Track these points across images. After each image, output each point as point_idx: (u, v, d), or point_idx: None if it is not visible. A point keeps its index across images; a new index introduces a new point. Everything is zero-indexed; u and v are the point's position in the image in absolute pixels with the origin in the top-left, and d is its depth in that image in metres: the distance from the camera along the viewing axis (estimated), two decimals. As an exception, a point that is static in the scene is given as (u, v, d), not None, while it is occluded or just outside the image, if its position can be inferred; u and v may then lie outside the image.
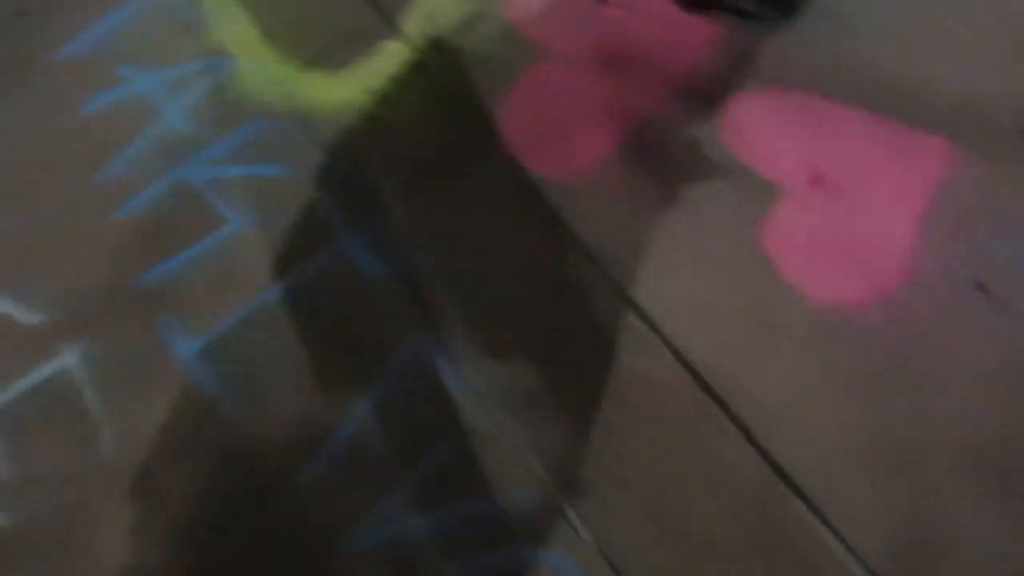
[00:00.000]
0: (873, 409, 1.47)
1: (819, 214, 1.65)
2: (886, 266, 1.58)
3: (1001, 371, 1.46)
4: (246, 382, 1.62)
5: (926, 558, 1.36)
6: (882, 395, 1.48)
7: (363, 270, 1.70)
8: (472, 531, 1.48)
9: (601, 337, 1.59)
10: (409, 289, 1.67)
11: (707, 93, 1.80)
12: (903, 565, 1.35)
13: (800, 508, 1.42)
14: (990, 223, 1.59)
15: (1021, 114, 1.68)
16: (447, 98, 1.89)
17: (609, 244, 1.68)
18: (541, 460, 1.51)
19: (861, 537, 1.37)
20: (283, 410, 1.57)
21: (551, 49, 1.91)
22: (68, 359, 1.62)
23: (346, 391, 1.59)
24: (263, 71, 1.97)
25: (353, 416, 1.57)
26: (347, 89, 1.94)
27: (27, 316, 1.67)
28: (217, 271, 1.70)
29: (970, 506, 1.38)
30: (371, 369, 1.62)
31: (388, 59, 1.97)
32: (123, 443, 1.54)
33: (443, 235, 1.73)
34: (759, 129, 1.74)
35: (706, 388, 1.53)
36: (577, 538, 1.45)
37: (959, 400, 1.46)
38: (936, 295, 1.54)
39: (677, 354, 1.56)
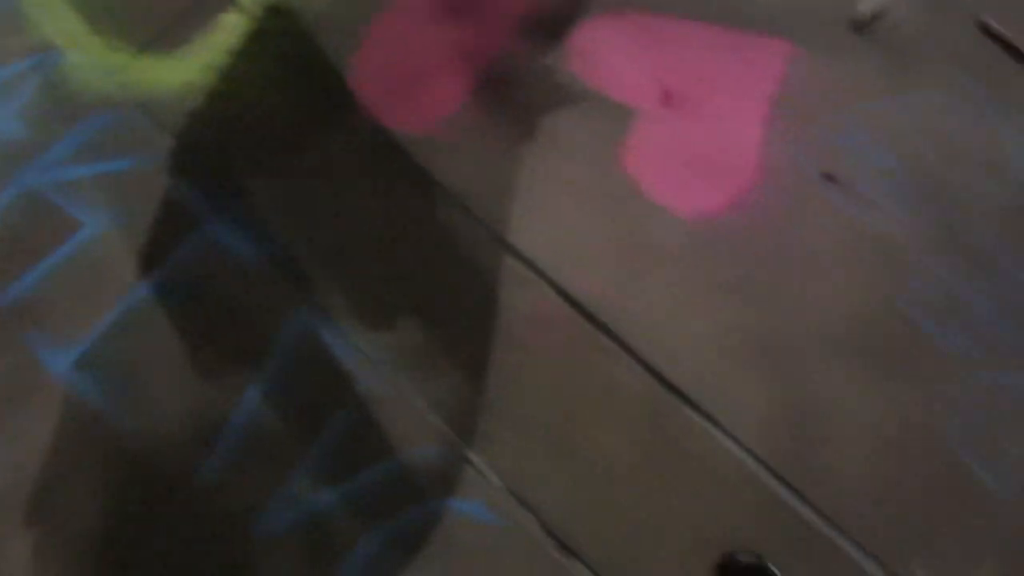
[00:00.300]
0: (745, 309, 1.53)
1: (674, 130, 1.68)
2: (741, 171, 1.63)
3: (856, 253, 1.54)
4: (130, 386, 1.56)
5: (807, 438, 1.43)
6: (752, 294, 1.53)
7: (233, 252, 1.65)
8: (382, 495, 1.48)
9: (482, 283, 1.59)
10: (283, 265, 1.63)
11: (551, 25, 1.79)
12: (788, 448, 1.42)
13: (690, 415, 1.47)
14: (831, 116, 1.65)
15: (852, 9, 1.73)
16: (294, 65, 1.82)
17: (477, 189, 1.67)
18: (441, 414, 1.52)
19: (748, 431, 1.44)
20: (173, 407, 1.53)
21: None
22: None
23: (235, 377, 1.56)
24: (95, 62, 1.85)
25: (246, 401, 1.54)
26: (187, 69, 1.85)
27: None
28: (80, 277, 1.62)
29: (840, 386, 1.46)
30: (257, 351, 1.58)
31: (226, 32, 1.89)
32: (10, 469, 1.47)
33: (309, 206, 1.69)
34: (606, 54, 1.75)
35: (589, 316, 1.55)
36: (486, 483, 1.47)
37: (822, 286, 1.54)
38: (789, 191, 1.60)
39: (558, 288, 1.58)
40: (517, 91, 1.76)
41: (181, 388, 1.56)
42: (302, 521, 1.46)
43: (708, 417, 1.47)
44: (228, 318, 1.61)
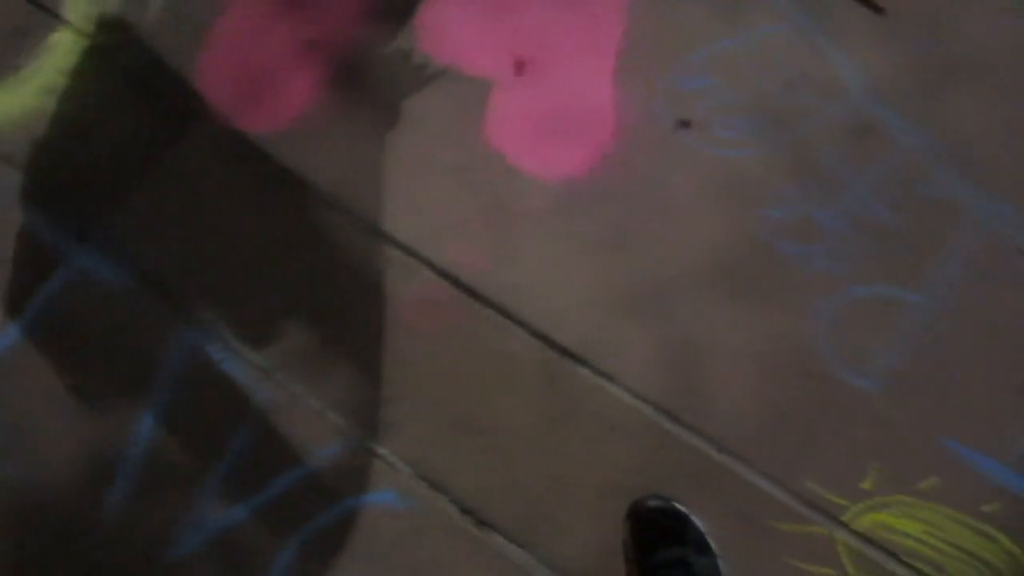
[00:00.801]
0: (620, 261, 1.57)
1: (530, 98, 1.70)
2: (599, 129, 1.66)
3: (718, 192, 1.62)
4: (12, 436, 1.50)
5: (691, 376, 1.50)
6: (624, 246, 1.58)
7: (103, 281, 1.60)
8: (294, 503, 1.48)
9: (363, 276, 1.59)
10: (156, 286, 1.59)
11: (398, 6, 1.77)
12: (676, 388, 1.49)
13: (584, 373, 1.51)
14: (676, 62, 1.70)
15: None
16: (137, 78, 1.76)
17: (345, 182, 1.66)
18: (341, 413, 1.52)
19: (639, 379, 1.49)
20: (65, 450, 1.49)
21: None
22: None
23: (125, 408, 1.52)
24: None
25: (140, 431, 1.50)
26: (21, 95, 1.76)
27: None
28: (-59, 331, 1.54)
29: (716, 320, 1.54)
30: (144, 378, 1.55)
31: (60, 53, 1.80)
32: None
33: (173, 222, 1.65)
34: (455, 30, 1.76)
35: (473, 293, 1.57)
36: (396, 472, 1.48)
37: (689, 229, 1.61)
38: (647, 142, 1.64)
39: (439, 270, 1.59)
40: (372, 77, 1.74)
41: (70, 429, 1.51)
42: (216, 540, 1.45)
43: (600, 372, 1.52)
44: (108, 349, 1.56)
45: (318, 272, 1.61)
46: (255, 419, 1.52)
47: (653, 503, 1.36)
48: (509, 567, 1.42)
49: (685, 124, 1.67)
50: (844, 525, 1.43)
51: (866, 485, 1.45)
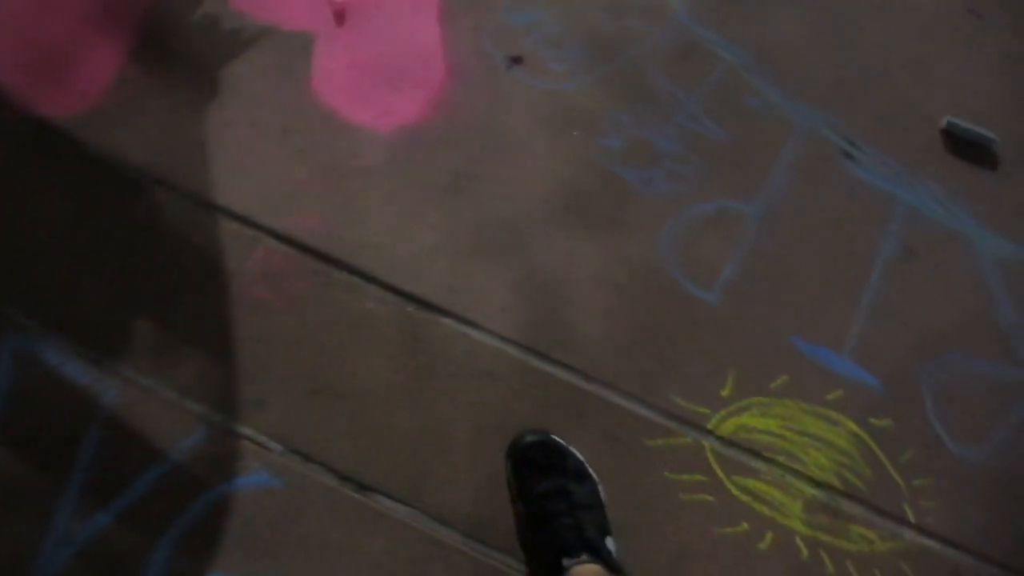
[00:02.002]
0: (467, 204, 1.57)
1: (355, 48, 1.65)
2: (429, 73, 1.62)
3: (554, 125, 1.64)
4: None
5: (550, 309, 1.52)
6: (467, 189, 1.58)
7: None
8: (162, 499, 1.41)
9: (202, 254, 1.51)
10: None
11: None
12: (537, 323, 1.51)
13: (444, 322, 1.49)
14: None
15: None
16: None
17: (166, 158, 1.57)
18: (199, 400, 1.45)
19: (499, 321, 1.50)
20: None
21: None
22: None
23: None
24: None
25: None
26: None
27: None
28: None
29: (567, 252, 1.55)
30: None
31: None
32: None
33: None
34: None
35: (320, 256, 1.52)
36: (265, 451, 1.44)
37: (529, 165, 1.63)
38: (480, 82, 1.63)
39: (281, 236, 1.53)
40: (184, 45, 1.63)
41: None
42: (83, 553, 1.37)
43: (461, 319, 1.51)
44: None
45: (153, 256, 1.52)
46: (106, 420, 1.44)
47: (529, 438, 1.39)
48: (397, 526, 1.42)
49: (516, 60, 1.66)
50: (710, 432, 1.50)
51: (725, 392, 1.52)
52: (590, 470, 1.41)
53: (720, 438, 1.51)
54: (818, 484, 1.49)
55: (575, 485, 1.37)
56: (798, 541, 1.42)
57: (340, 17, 1.67)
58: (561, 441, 1.42)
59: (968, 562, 1.45)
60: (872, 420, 1.53)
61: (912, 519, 1.48)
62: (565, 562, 1.24)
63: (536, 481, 1.37)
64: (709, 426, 1.51)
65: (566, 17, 1.67)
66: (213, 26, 1.66)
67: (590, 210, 1.58)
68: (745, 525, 1.42)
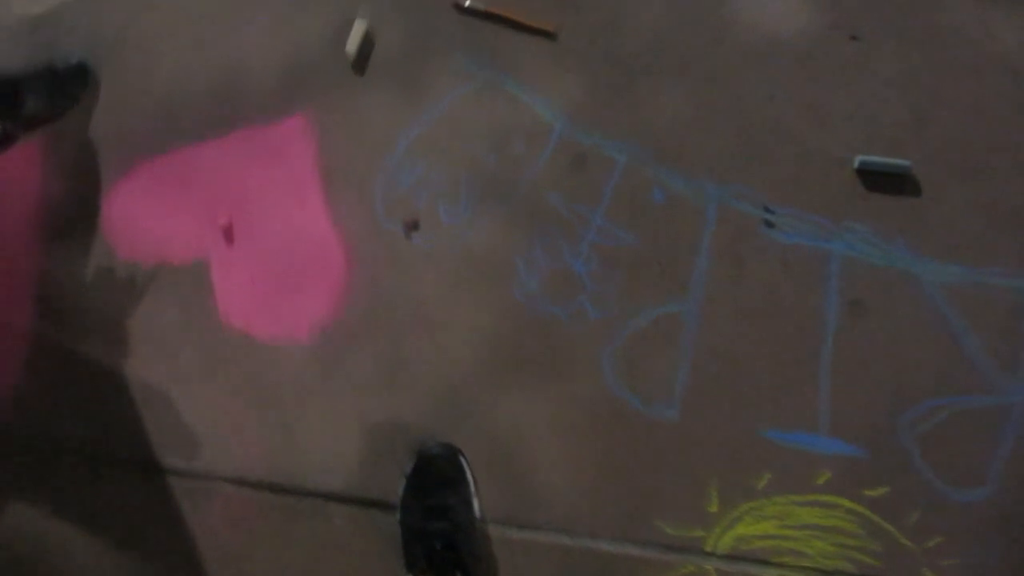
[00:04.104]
0: (404, 391, 1.60)
1: (250, 261, 1.63)
2: (331, 264, 1.61)
3: (467, 276, 1.66)
4: None
5: (519, 474, 1.47)
6: (402, 373, 1.59)
7: None
8: None
9: (163, 519, 1.54)
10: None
11: (76, 219, 1.63)
12: (509, 492, 1.55)
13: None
14: (381, 164, 1.67)
15: (342, 54, 1.69)
16: None
17: (100, 432, 1.58)
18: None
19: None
20: None
21: None
22: None
23: None
24: None
25: None
26: None
27: None
28: None
29: (518, 406, 1.52)
30: None
31: None
32: None
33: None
34: (146, 224, 1.65)
35: (275, 488, 1.51)
36: None
37: (457, 326, 1.66)
38: (381, 256, 1.64)
39: (232, 480, 1.54)
40: (83, 305, 1.62)
41: None
42: None
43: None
44: None
45: (114, 534, 1.52)
46: None
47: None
48: None
49: (413, 226, 1.63)
50: (710, 554, 1.48)
51: (713, 508, 1.49)
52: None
53: (722, 556, 1.49)
54: (830, 574, 1.45)
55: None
56: (825, 642, 1.39)
57: (228, 235, 1.65)
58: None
59: (1003, 608, 1.42)
60: (867, 492, 1.50)
61: (935, 582, 1.44)
62: None
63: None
64: (707, 548, 1.49)
65: (449, 164, 1.64)
66: (107, 280, 1.64)
67: (527, 361, 1.56)
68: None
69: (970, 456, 1.52)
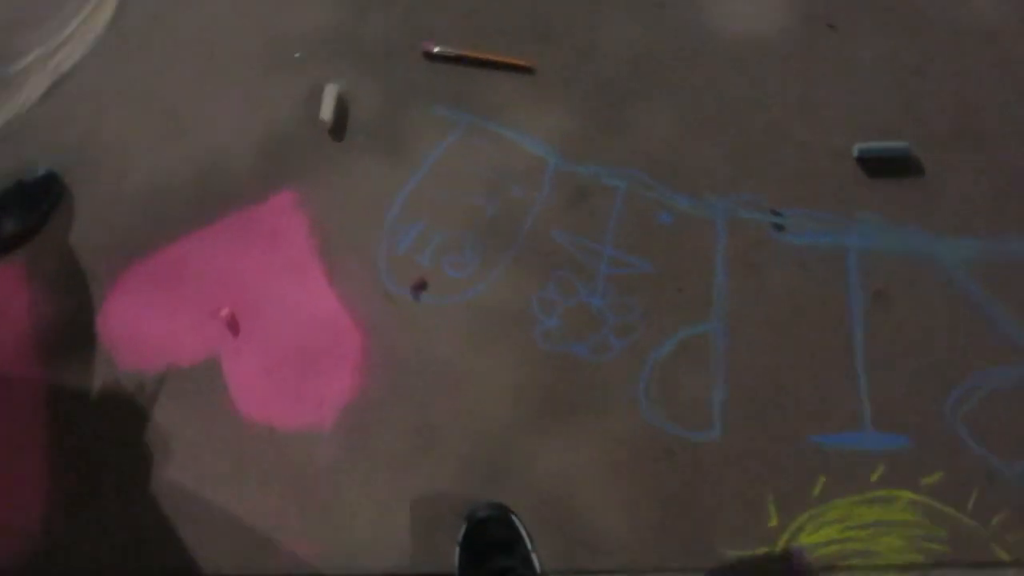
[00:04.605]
0: (441, 456, 1.56)
1: (261, 351, 1.58)
2: (343, 342, 1.57)
3: (489, 332, 1.63)
4: None
5: (574, 520, 1.45)
6: (436, 438, 1.58)
7: None
8: None
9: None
10: None
11: (74, 333, 1.58)
12: (567, 540, 1.50)
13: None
14: (379, 225, 1.62)
15: (318, 122, 1.65)
16: None
17: (132, 558, 1.48)
18: None
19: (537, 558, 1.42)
20: None
21: None
22: None
23: None
24: None
25: None
26: None
27: None
28: None
29: (562, 452, 1.49)
30: None
31: None
32: None
33: None
34: (148, 329, 1.60)
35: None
36: None
37: (485, 380, 1.61)
38: (394, 324, 1.59)
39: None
40: (94, 430, 1.55)
41: None
42: None
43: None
44: None
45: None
46: None
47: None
48: None
49: (420, 287, 1.60)
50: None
51: (772, 523, 1.47)
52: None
53: (790, 571, 1.45)
54: (904, 568, 1.45)
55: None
56: (909, 636, 1.38)
57: (234, 326, 1.60)
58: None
59: (1078, 572, 1.41)
60: (924, 480, 1.49)
61: (1006, 557, 1.44)
62: None
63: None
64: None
65: (448, 218, 1.60)
66: (116, 393, 1.58)
67: (559, 405, 1.53)
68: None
69: (1019, 426, 1.51)
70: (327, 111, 1.67)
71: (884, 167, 1.61)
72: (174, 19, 1.76)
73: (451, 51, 1.71)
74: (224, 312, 1.63)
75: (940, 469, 1.51)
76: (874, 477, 1.51)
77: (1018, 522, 1.48)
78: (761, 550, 1.49)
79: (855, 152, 1.61)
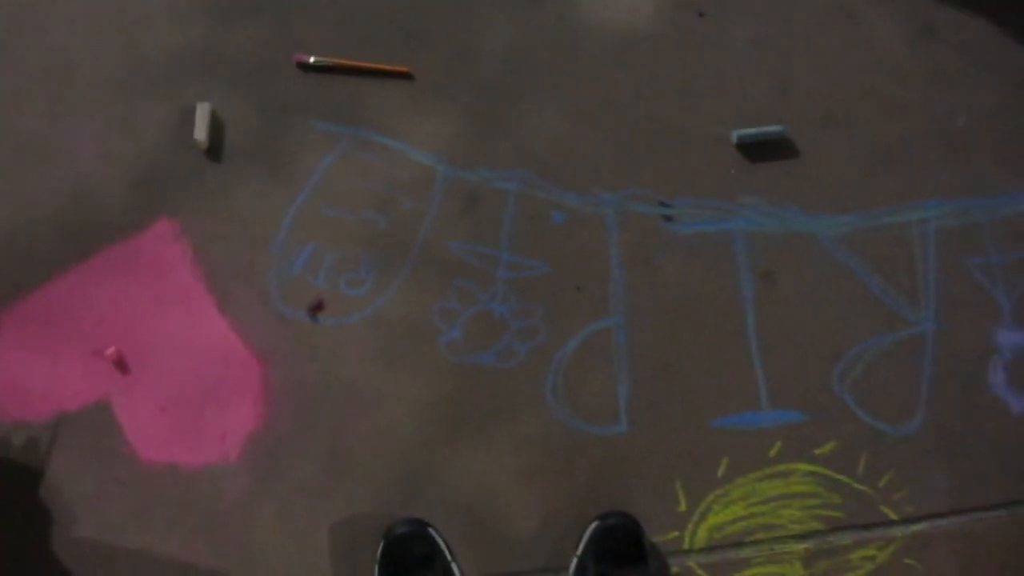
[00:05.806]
0: (354, 478, 1.57)
1: (154, 388, 1.53)
2: (241, 371, 1.53)
3: (390, 349, 1.64)
4: None
5: (491, 528, 1.47)
6: (348, 460, 1.58)
7: None
8: None
9: None
10: None
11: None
12: (489, 549, 1.54)
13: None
14: (266, 249, 1.60)
15: (195, 145, 1.58)
16: None
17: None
18: None
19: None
20: None
21: None
22: None
23: None
24: None
25: None
26: None
27: None
28: None
29: (471, 461, 1.53)
30: None
31: None
32: None
33: None
34: (26, 376, 1.50)
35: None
36: None
37: (389, 403, 1.62)
38: (293, 349, 1.57)
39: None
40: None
41: None
42: None
43: None
44: None
45: None
46: None
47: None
48: None
49: (318, 308, 1.58)
50: (689, 551, 1.52)
51: (682, 507, 1.55)
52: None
53: (700, 550, 1.54)
54: (803, 537, 1.54)
55: None
56: (814, 597, 1.48)
57: (122, 365, 1.54)
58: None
59: (956, 522, 1.54)
60: (817, 451, 1.58)
61: (895, 516, 1.56)
62: None
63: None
64: (685, 546, 1.54)
65: (339, 235, 1.59)
66: (5, 451, 1.50)
67: (470, 414, 1.56)
68: (761, 613, 1.47)
69: (899, 391, 1.62)
70: (201, 131, 1.60)
71: (763, 151, 1.67)
72: (20, 48, 1.64)
73: (325, 60, 1.66)
74: (110, 351, 1.56)
75: (832, 439, 1.61)
76: (772, 452, 1.60)
77: (901, 482, 1.60)
78: (673, 534, 1.56)
79: (734, 138, 1.67)
